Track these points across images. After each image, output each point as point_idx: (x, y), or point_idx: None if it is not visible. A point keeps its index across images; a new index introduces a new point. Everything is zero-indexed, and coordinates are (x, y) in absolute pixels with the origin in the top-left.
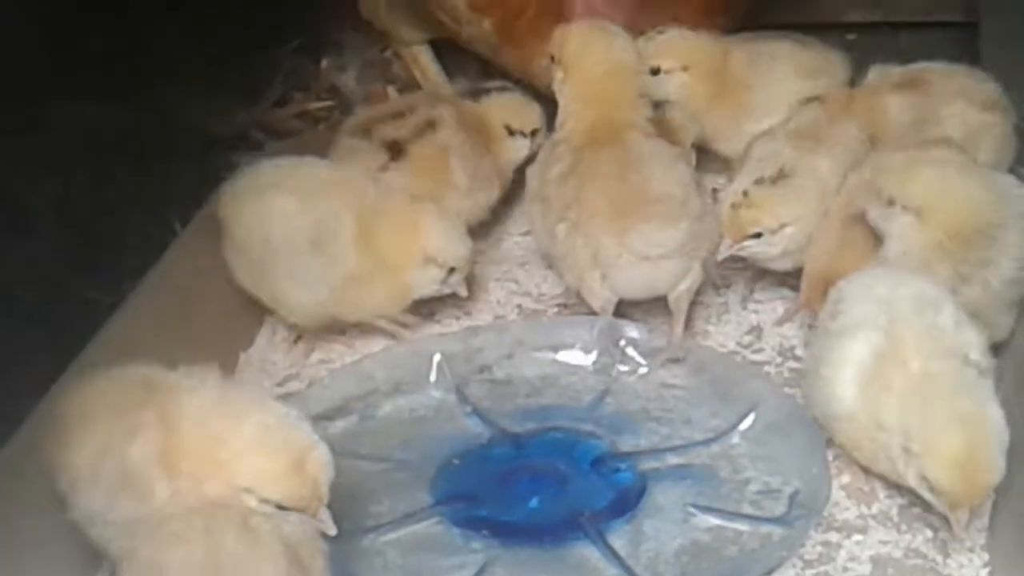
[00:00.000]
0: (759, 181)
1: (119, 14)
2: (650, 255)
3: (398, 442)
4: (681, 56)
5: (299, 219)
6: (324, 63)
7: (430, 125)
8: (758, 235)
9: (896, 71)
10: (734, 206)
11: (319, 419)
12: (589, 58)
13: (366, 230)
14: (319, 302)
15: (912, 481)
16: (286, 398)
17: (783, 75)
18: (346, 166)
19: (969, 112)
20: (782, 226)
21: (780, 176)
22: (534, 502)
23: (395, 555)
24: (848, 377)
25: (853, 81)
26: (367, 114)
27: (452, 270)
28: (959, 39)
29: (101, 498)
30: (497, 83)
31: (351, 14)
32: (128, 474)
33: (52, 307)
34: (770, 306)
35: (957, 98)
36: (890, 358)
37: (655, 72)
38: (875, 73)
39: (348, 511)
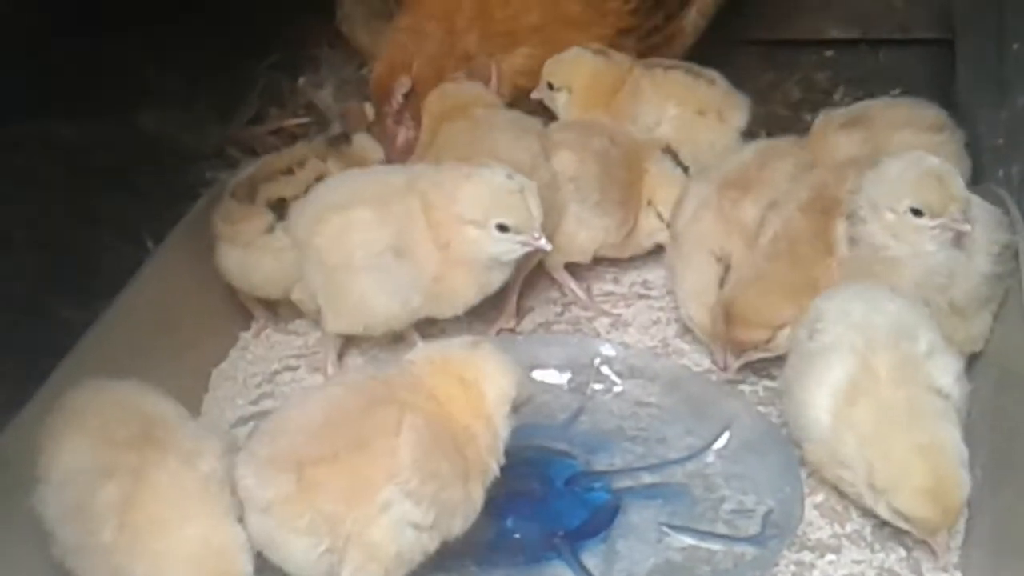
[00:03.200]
0: (723, 284)
1: (94, 32)
2: None
3: None
4: (567, 77)
5: (380, 231)
6: (301, 80)
7: (319, 179)
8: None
9: (839, 112)
10: (727, 321)
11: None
12: None
13: (440, 229)
14: (412, 309)
15: (885, 514)
16: (259, 416)
17: (661, 108)
18: (409, 166)
19: (917, 137)
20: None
21: (727, 268)
22: (509, 521)
23: None
24: (823, 401)
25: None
26: (252, 172)
27: (504, 228)
28: (936, 56)
29: (55, 509)
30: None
31: (328, 31)
32: (87, 507)
33: (26, 325)
34: None
35: (904, 126)
36: (862, 386)
37: (550, 87)
38: (820, 118)
39: None
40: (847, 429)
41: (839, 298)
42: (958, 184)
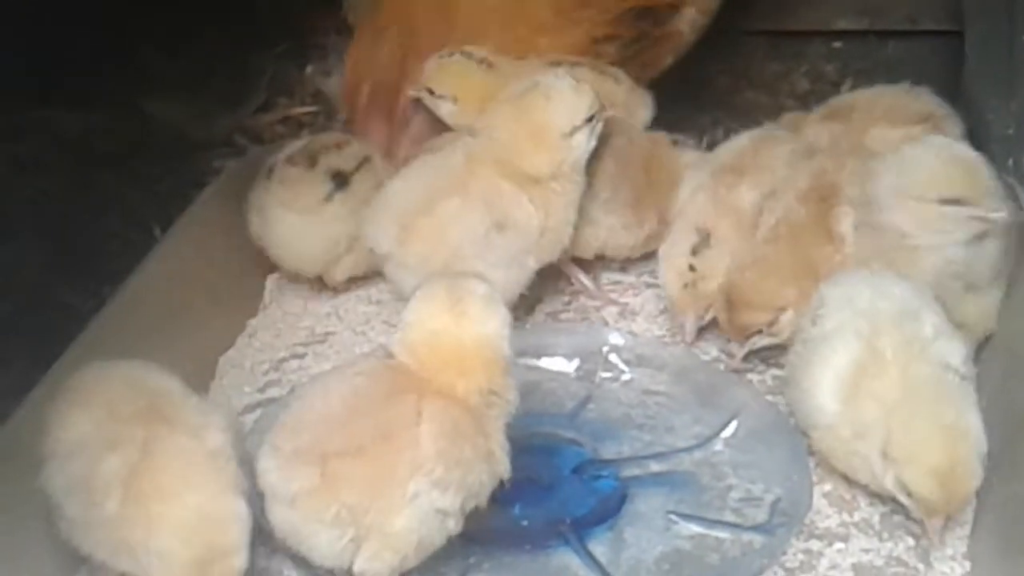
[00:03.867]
0: (695, 251)
1: (101, 19)
2: None
3: None
4: (451, 87)
5: (473, 213)
6: (308, 68)
7: (367, 159)
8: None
9: (831, 101)
10: (687, 286)
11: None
12: None
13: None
14: (531, 269)
15: (889, 484)
16: (266, 403)
17: None
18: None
19: (893, 129)
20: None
21: (705, 239)
22: (516, 508)
23: None
24: (828, 386)
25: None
26: (306, 143)
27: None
28: (945, 47)
29: (61, 484)
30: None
31: (335, 19)
32: (90, 479)
33: (32, 312)
34: None
35: (878, 121)
36: (870, 368)
37: (430, 92)
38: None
39: None
40: (868, 398)
41: (843, 284)
42: (987, 171)
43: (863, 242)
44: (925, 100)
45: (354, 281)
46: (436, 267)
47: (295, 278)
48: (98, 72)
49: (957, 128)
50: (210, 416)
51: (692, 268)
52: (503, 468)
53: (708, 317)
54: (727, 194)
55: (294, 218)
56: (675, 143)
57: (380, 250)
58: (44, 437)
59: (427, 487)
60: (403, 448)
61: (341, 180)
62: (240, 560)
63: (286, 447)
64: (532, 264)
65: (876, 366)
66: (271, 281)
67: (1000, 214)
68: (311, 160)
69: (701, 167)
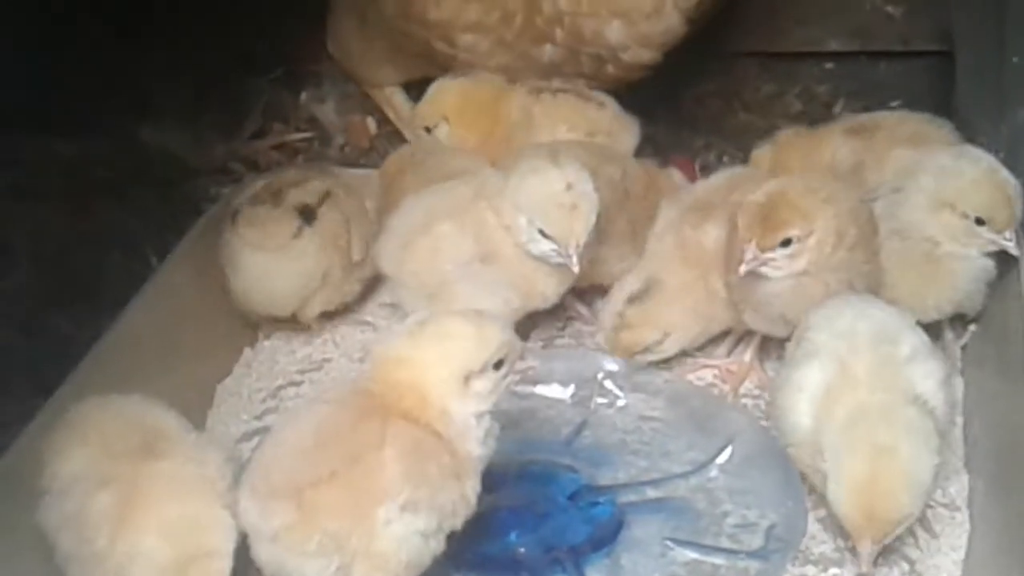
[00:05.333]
0: (631, 299)
1: (97, 46)
2: None
3: None
4: (436, 110)
5: (462, 241)
6: (303, 95)
7: (329, 192)
8: (646, 348)
9: (855, 117)
10: (615, 329)
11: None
12: None
13: (498, 212)
14: (516, 308)
15: (831, 507)
16: (264, 431)
17: (552, 133)
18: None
19: (912, 156)
20: (665, 335)
21: (647, 289)
22: (512, 536)
23: None
24: (803, 406)
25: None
26: (270, 181)
27: (544, 234)
28: (936, 68)
29: (54, 520)
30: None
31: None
32: (81, 516)
33: (29, 341)
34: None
35: (903, 143)
36: (842, 389)
37: (428, 131)
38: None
39: None
40: (828, 423)
41: (828, 307)
42: (1020, 204)
43: (891, 250)
44: (947, 131)
45: (344, 311)
46: (430, 288)
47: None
48: (94, 100)
49: None
50: (206, 452)
51: (620, 315)
52: (471, 490)
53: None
54: (692, 233)
55: (265, 257)
56: (665, 168)
57: (383, 269)
58: (41, 471)
59: (397, 511)
60: (372, 470)
61: (308, 214)
62: (222, 563)
63: (262, 485)
64: (516, 303)
65: (848, 387)
66: None
67: (1016, 251)
68: (276, 198)
69: (673, 204)
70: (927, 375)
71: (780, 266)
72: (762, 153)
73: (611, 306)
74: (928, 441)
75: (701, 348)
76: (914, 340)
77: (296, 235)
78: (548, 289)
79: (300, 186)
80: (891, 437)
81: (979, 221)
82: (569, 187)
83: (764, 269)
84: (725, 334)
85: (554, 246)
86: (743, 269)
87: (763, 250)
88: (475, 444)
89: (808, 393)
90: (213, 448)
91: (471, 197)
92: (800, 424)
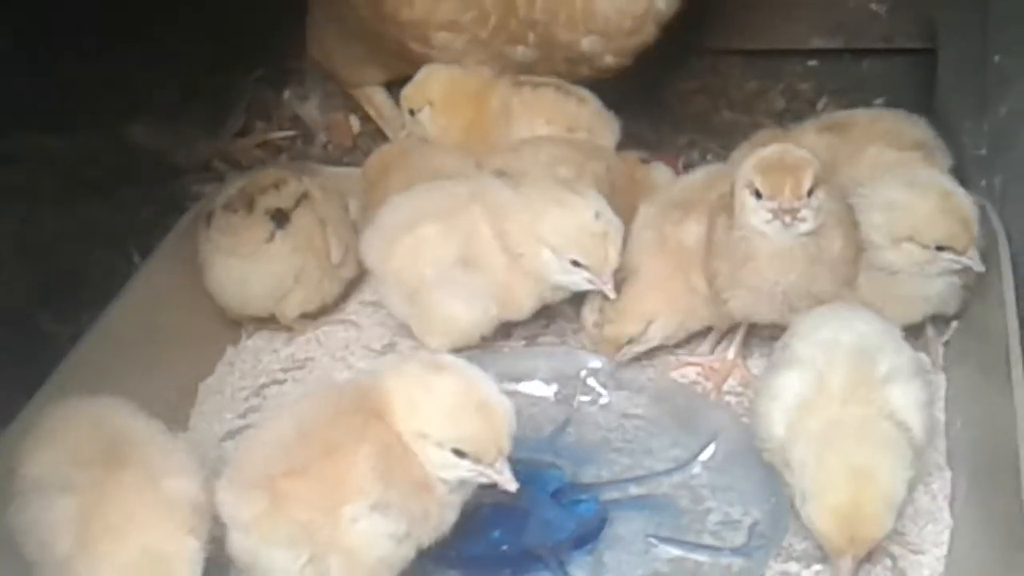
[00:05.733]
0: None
1: (79, 46)
2: None
3: None
4: (423, 93)
5: (447, 244)
6: (286, 93)
7: (306, 195)
8: (630, 340)
9: (830, 115)
10: (596, 325)
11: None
12: None
13: (503, 231)
14: (492, 315)
15: (805, 520)
16: (246, 430)
17: (531, 127)
18: (478, 177)
19: (886, 153)
20: (648, 324)
21: (623, 281)
22: (496, 534)
23: None
24: (776, 415)
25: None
26: (243, 186)
27: (577, 264)
28: (919, 65)
29: (20, 524)
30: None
31: None
32: (44, 520)
33: (12, 338)
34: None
35: (877, 140)
36: (816, 403)
37: (412, 114)
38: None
39: None
40: (800, 435)
41: (815, 315)
42: (977, 221)
43: (866, 280)
44: (922, 129)
45: (325, 310)
46: (410, 288)
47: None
48: (79, 99)
49: (946, 160)
50: (173, 458)
51: (600, 311)
52: (444, 509)
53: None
54: (673, 230)
55: (237, 262)
56: (646, 162)
57: (366, 263)
58: (12, 473)
59: (366, 510)
60: (344, 464)
61: (281, 218)
62: None
63: (238, 475)
64: (493, 311)
65: (822, 400)
66: None
67: (981, 267)
68: (249, 204)
69: (652, 202)
70: (905, 395)
71: (806, 217)
72: (741, 154)
73: (589, 304)
74: (903, 457)
75: (684, 346)
76: (896, 358)
77: (268, 239)
78: (527, 303)
79: (275, 189)
80: (868, 457)
81: (940, 247)
82: (598, 215)
83: (800, 222)
84: (707, 332)
85: (587, 274)
86: (787, 220)
87: (798, 198)
88: (443, 483)
89: (783, 402)
90: (184, 453)
91: (464, 200)
92: (773, 433)
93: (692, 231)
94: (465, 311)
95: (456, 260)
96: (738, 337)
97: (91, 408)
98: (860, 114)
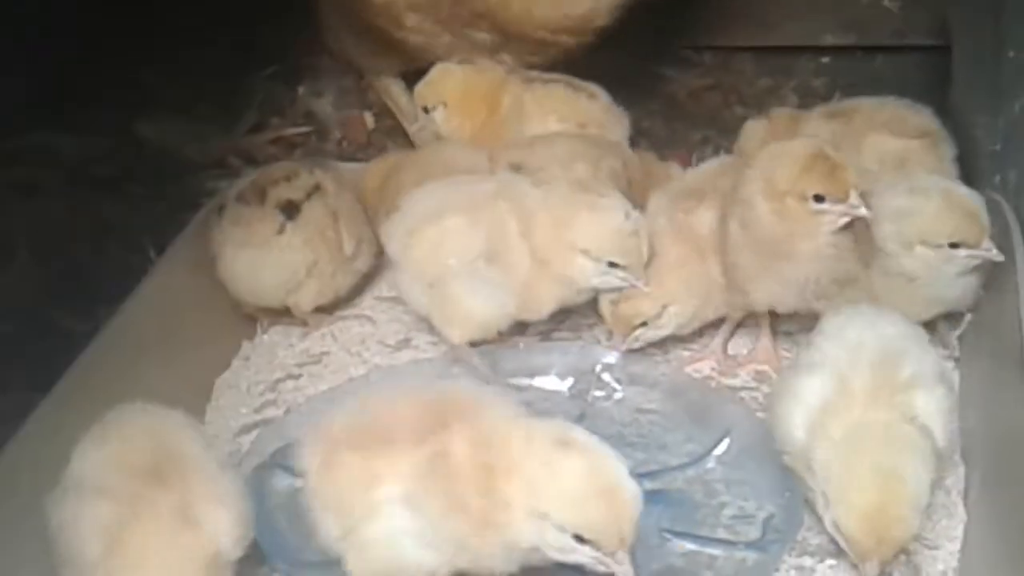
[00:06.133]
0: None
1: (93, 43)
2: None
3: None
4: (437, 93)
5: (471, 237)
6: (300, 89)
7: (317, 187)
8: (645, 323)
9: (837, 103)
10: (613, 303)
11: (296, 447)
12: None
13: (529, 232)
14: (508, 312)
15: (829, 527)
16: (263, 424)
17: (543, 123)
18: (506, 176)
19: (892, 140)
20: (664, 307)
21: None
22: None
23: None
24: (797, 418)
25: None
26: (255, 179)
27: (614, 265)
28: (932, 62)
29: (56, 517)
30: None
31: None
32: (78, 520)
33: (29, 335)
34: (746, 332)
35: (880, 128)
36: (838, 406)
37: (425, 111)
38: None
39: None
40: (822, 439)
41: (842, 315)
42: (985, 214)
43: (879, 283)
44: (926, 117)
45: (341, 305)
46: (429, 278)
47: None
48: (93, 97)
49: (950, 150)
50: (215, 487)
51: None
52: (501, 559)
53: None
54: (685, 218)
55: (249, 253)
56: (663, 160)
57: (387, 250)
58: (63, 464)
59: (396, 499)
60: (399, 458)
61: (292, 210)
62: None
63: (315, 431)
64: (511, 309)
65: (844, 404)
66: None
67: (1000, 257)
68: (260, 196)
69: (664, 192)
70: (928, 401)
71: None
72: (756, 125)
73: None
74: (926, 460)
75: (698, 337)
76: (920, 364)
77: (279, 231)
78: (547, 306)
79: (287, 182)
80: (895, 459)
81: (954, 245)
82: (627, 214)
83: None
84: (716, 328)
85: (622, 273)
86: (863, 212)
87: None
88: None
89: (805, 405)
90: (228, 485)
91: (491, 195)
92: (794, 436)
93: (705, 219)
94: (482, 306)
95: (480, 254)
96: (765, 328)
97: (152, 418)
98: (864, 102)
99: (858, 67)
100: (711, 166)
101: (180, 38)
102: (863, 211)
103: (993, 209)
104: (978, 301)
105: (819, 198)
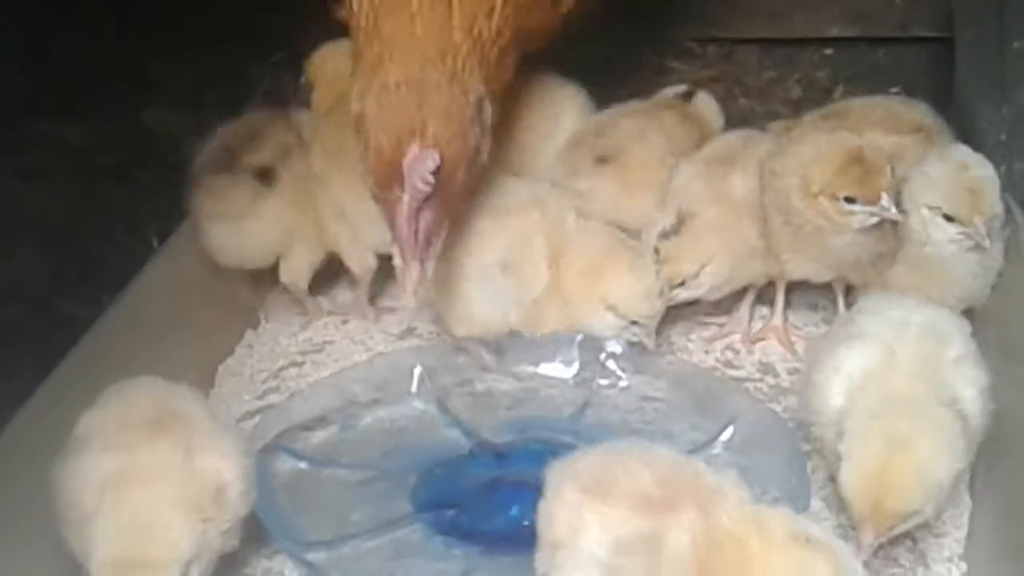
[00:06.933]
0: (663, 235)
1: (97, 32)
2: None
3: (379, 452)
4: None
5: (493, 243)
6: (303, 78)
7: (287, 150)
8: (682, 283)
9: (830, 106)
10: (658, 262)
11: (299, 430)
12: None
13: (556, 259)
14: (507, 322)
15: (839, 491)
16: (265, 410)
17: None
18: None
19: (886, 137)
20: (701, 267)
21: (681, 223)
22: (515, 510)
23: (377, 562)
24: (837, 385)
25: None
26: (220, 145)
27: (635, 323)
28: (936, 53)
29: (58, 478)
30: None
31: (331, 29)
32: (77, 476)
33: (33, 321)
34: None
35: (874, 126)
36: (879, 374)
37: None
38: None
39: (329, 518)
40: (859, 406)
41: (883, 299)
42: (991, 197)
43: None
44: (920, 112)
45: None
46: (441, 273)
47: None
48: (97, 84)
49: (947, 142)
50: (216, 438)
51: (656, 251)
52: None
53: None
54: (720, 184)
55: (231, 225)
56: (688, 97)
57: None
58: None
59: (596, 560)
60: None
61: (267, 177)
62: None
63: (570, 477)
64: (511, 318)
65: (887, 374)
66: (270, 290)
67: (986, 243)
68: (230, 163)
69: (690, 160)
70: (969, 383)
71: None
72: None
73: (645, 243)
74: (952, 444)
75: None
76: (963, 345)
77: (255, 197)
78: (550, 326)
79: (252, 144)
80: (911, 431)
81: (947, 218)
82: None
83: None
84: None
85: (638, 331)
86: (892, 214)
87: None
88: None
89: (845, 374)
90: (229, 437)
91: (525, 204)
92: (830, 404)
93: (737, 184)
94: (484, 311)
95: (497, 261)
96: (779, 301)
97: (154, 385)
98: (856, 102)
99: (862, 59)
100: (735, 136)
101: (185, 25)
102: (893, 213)
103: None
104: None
105: (850, 199)
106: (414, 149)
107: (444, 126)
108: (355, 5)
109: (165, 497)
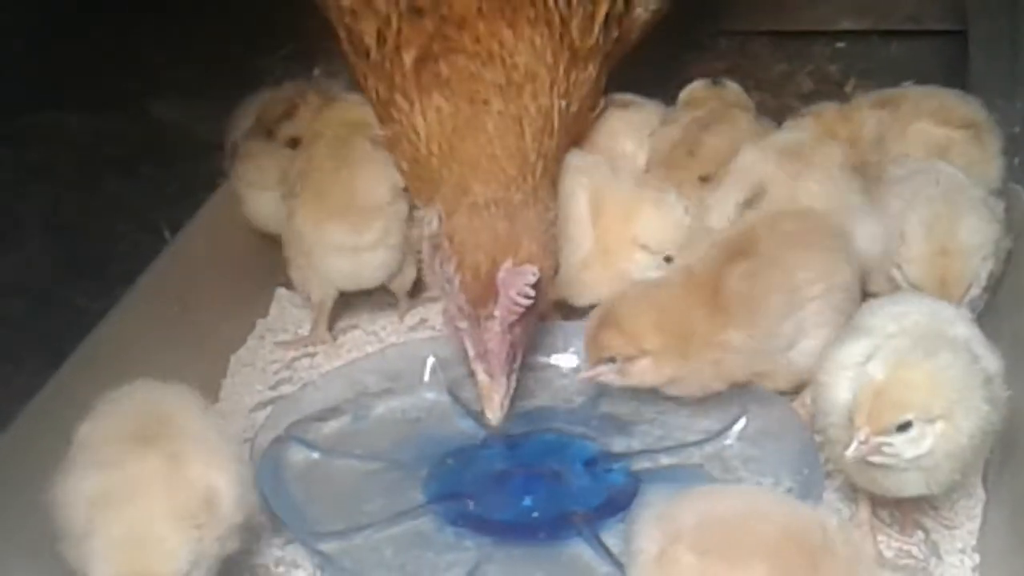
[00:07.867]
0: (745, 204)
1: (107, 23)
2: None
3: (391, 442)
4: None
5: None
6: (315, 70)
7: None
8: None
9: (884, 91)
10: None
11: (312, 420)
12: None
13: (596, 216)
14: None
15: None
16: (277, 400)
17: None
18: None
19: (933, 130)
20: None
21: (757, 195)
22: (527, 501)
23: (389, 552)
24: (845, 380)
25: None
26: (258, 116)
27: (669, 259)
28: (948, 47)
29: (52, 496)
30: None
31: None
32: (71, 491)
33: (43, 313)
34: None
35: (925, 117)
36: (883, 348)
37: None
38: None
39: (342, 509)
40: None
41: (884, 297)
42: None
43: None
44: (973, 108)
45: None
46: None
47: None
48: (107, 77)
49: (996, 142)
50: (207, 446)
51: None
52: None
53: None
54: (792, 182)
55: (270, 195)
56: (719, 84)
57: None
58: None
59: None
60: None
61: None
62: None
63: (657, 523)
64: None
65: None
66: (281, 281)
67: None
68: (268, 133)
69: (756, 147)
70: (978, 340)
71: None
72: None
73: (720, 212)
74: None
75: None
76: (967, 329)
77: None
78: (600, 292)
79: (288, 118)
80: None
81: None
82: (687, 209)
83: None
84: None
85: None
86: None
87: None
88: None
89: (850, 370)
90: (222, 444)
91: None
92: (838, 402)
93: (814, 191)
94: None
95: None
96: None
97: (147, 391)
98: (913, 90)
99: (874, 52)
100: (798, 133)
101: (195, 17)
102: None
103: (1012, 198)
104: (996, 284)
105: None
106: (508, 266)
107: (535, 242)
108: (422, 132)
109: (157, 510)
